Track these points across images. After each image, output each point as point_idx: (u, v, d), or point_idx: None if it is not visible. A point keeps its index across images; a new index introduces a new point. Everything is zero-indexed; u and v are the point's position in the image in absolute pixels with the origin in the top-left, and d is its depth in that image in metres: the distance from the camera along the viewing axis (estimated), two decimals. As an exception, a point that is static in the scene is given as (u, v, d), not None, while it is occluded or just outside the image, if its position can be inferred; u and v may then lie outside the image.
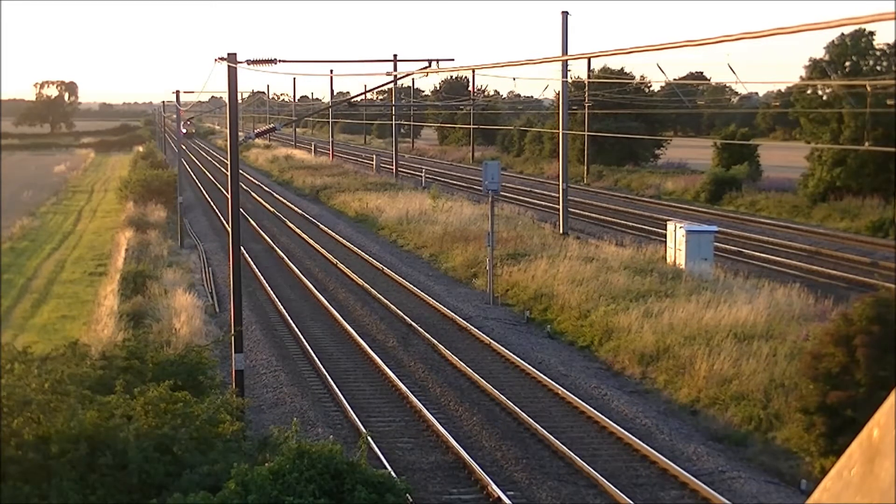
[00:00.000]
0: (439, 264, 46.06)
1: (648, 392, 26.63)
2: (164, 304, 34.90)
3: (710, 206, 64.85)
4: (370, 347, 30.93)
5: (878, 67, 60.32)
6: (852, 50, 60.17)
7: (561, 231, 48.83)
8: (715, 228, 41.64)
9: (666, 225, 42.76)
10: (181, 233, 55.86)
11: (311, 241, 53.78)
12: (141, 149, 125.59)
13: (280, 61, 26.17)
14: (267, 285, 41.43)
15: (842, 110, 59.92)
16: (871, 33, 60.32)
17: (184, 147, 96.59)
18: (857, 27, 58.50)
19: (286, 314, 35.98)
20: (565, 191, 49.57)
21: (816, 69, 61.36)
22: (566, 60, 46.07)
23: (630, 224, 56.66)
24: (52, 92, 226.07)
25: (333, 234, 56.21)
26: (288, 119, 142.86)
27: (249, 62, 25.69)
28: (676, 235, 39.50)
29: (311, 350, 30.86)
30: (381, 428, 23.39)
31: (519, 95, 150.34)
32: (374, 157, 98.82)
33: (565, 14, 47.74)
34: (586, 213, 60.90)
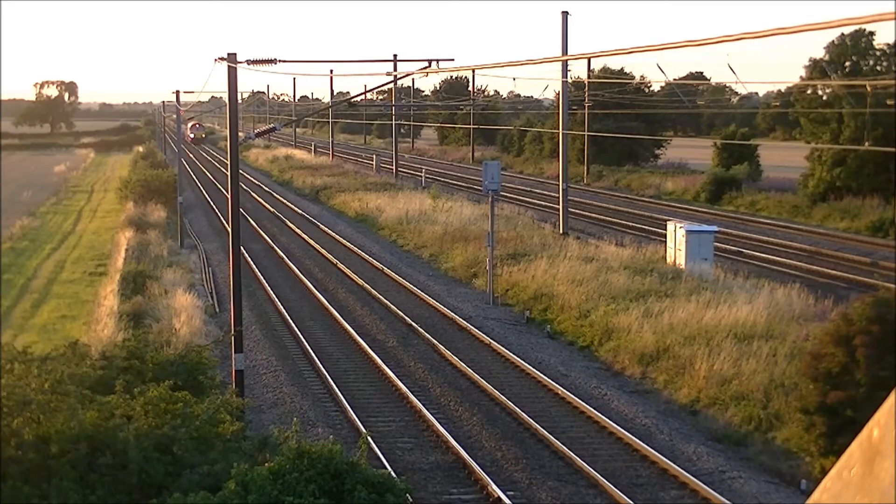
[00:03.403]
0: (439, 264, 46.04)
1: (648, 392, 26.63)
2: (164, 304, 34.91)
3: (710, 206, 64.84)
4: (370, 347, 30.92)
5: (878, 67, 60.30)
6: (852, 50, 60.17)
7: (561, 231, 48.82)
8: (715, 228, 41.65)
9: (666, 225, 42.75)
10: (181, 233, 55.85)
11: (311, 241, 53.76)
12: (141, 149, 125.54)
13: (280, 61, 26.18)
14: (267, 285, 41.43)
15: (842, 110, 59.90)
16: (871, 33, 60.36)
17: (184, 147, 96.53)
18: (857, 27, 58.48)
19: (286, 314, 35.97)
20: (565, 191, 49.57)
21: (816, 69, 61.37)
22: (566, 60, 46.06)
23: (630, 224, 56.64)
24: (52, 92, 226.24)
25: (333, 234, 56.19)
26: (288, 119, 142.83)
27: (249, 62, 25.70)
28: (676, 235, 39.50)
29: (311, 350, 30.86)
30: (381, 428, 23.39)
31: (519, 95, 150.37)
32: (374, 157, 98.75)
33: (565, 14, 47.75)
34: (586, 213, 60.88)
